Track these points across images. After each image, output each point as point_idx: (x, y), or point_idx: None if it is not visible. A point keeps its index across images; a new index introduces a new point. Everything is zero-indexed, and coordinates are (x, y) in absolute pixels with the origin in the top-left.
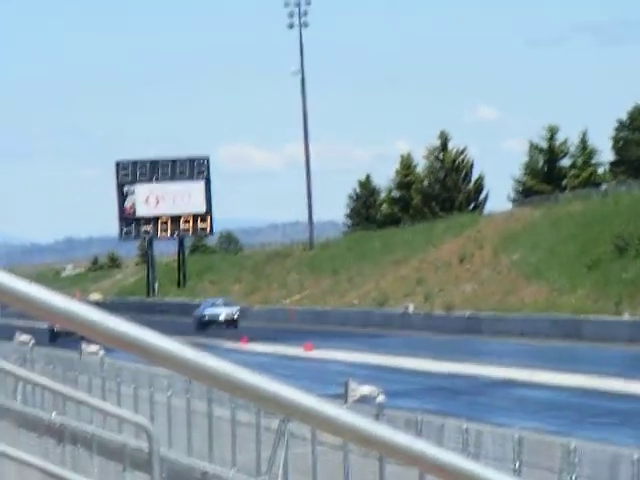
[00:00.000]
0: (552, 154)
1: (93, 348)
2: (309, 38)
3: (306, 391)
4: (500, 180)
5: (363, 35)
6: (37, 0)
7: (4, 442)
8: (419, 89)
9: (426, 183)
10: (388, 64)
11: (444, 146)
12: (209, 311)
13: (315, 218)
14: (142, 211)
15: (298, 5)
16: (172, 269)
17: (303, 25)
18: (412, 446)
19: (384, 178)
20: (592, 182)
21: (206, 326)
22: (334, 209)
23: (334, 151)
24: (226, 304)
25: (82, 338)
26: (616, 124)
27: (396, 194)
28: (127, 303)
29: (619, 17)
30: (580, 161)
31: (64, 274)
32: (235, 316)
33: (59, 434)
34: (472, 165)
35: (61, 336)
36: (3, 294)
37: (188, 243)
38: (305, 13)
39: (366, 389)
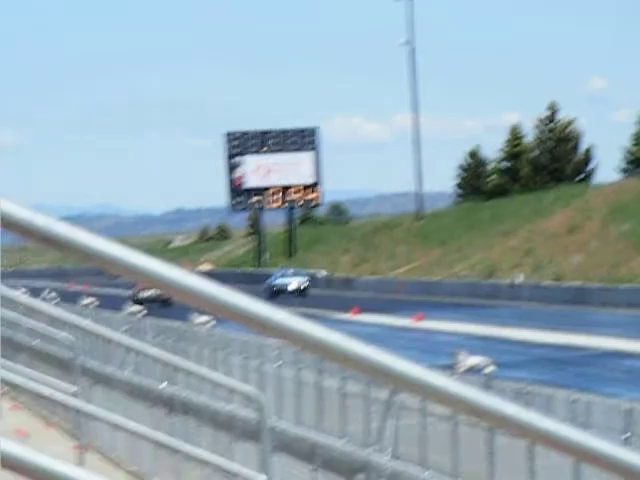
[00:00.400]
0: None
1: (203, 319)
2: (419, 10)
3: (415, 362)
4: (609, 151)
5: (473, 7)
6: None
7: (116, 412)
8: (529, 60)
9: (535, 154)
10: (498, 35)
11: (553, 117)
12: (279, 281)
13: (424, 189)
14: (251, 182)
15: None
16: (281, 240)
17: None
18: (522, 417)
19: (493, 149)
20: None
21: (276, 295)
22: (443, 180)
23: (443, 122)
24: (296, 274)
25: (164, 304)
26: None
27: (505, 165)
28: (237, 274)
29: None
30: None
31: (173, 245)
32: (303, 286)
33: (169, 404)
34: (581, 136)
35: (143, 303)
36: (114, 265)
37: (297, 214)
38: None
39: (475, 360)
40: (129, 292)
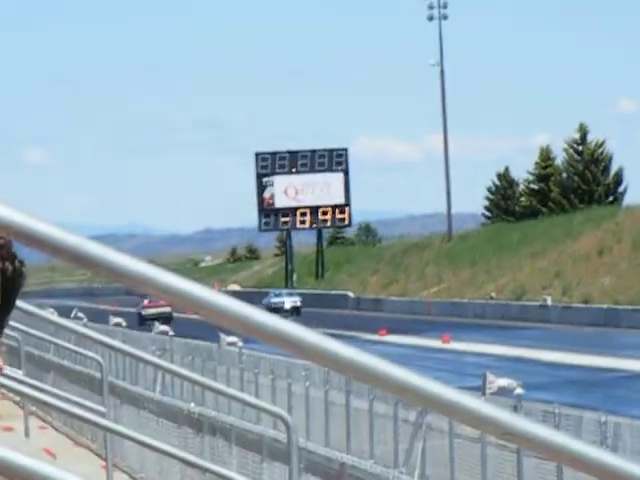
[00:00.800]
0: None
1: (232, 339)
2: (448, 30)
3: (444, 383)
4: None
5: (502, 27)
6: None
7: (144, 432)
8: (559, 82)
9: (565, 175)
10: (528, 57)
11: (583, 139)
12: (275, 300)
13: (454, 210)
14: (281, 202)
15: None
16: (310, 261)
17: (442, 17)
18: (552, 439)
19: (523, 170)
20: None
21: (273, 313)
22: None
23: (473, 143)
24: (289, 294)
25: (166, 322)
26: None
27: (535, 186)
28: (265, 294)
29: None
30: None
31: (203, 264)
32: (297, 304)
33: (198, 424)
34: (611, 158)
35: (148, 320)
36: (143, 284)
37: (326, 234)
38: (445, 5)
39: (504, 381)
40: (135, 310)
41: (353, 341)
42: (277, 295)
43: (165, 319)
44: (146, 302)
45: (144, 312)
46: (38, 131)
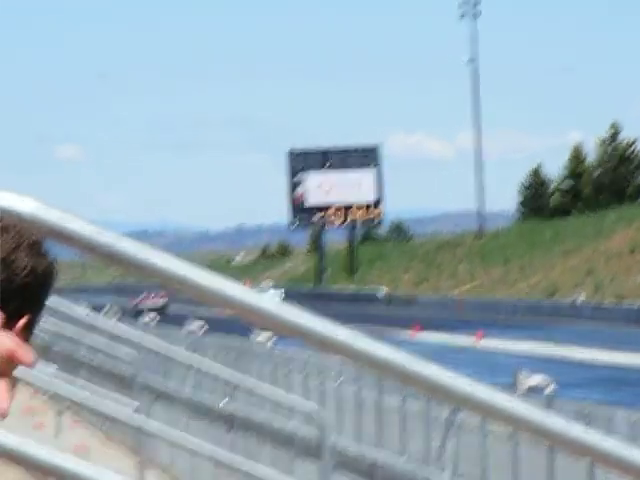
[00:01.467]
0: None
1: (264, 336)
2: (481, 28)
3: (476, 381)
4: None
5: (535, 25)
6: None
7: (176, 429)
8: (593, 80)
9: (597, 173)
10: (562, 54)
11: (615, 137)
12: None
13: (487, 207)
14: (313, 200)
15: None
16: (342, 258)
17: (475, 15)
18: (584, 438)
19: (555, 168)
20: None
21: (141, 313)
22: (506, 199)
23: (506, 141)
24: (274, 287)
25: (162, 313)
26: None
27: (567, 184)
28: (298, 291)
29: None
30: None
31: (235, 262)
32: (281, 298)
33: (230, 421)
34: None
35: (143, 312)
36: (176, 282)
37: (359, 232)
38: (477, 2)
39: (536, 379)
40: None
41: (385, 338)
42: (261, 290)
43: (159, 311)
44: (144, 295)
45: (140, 305)
46: (70, 128)
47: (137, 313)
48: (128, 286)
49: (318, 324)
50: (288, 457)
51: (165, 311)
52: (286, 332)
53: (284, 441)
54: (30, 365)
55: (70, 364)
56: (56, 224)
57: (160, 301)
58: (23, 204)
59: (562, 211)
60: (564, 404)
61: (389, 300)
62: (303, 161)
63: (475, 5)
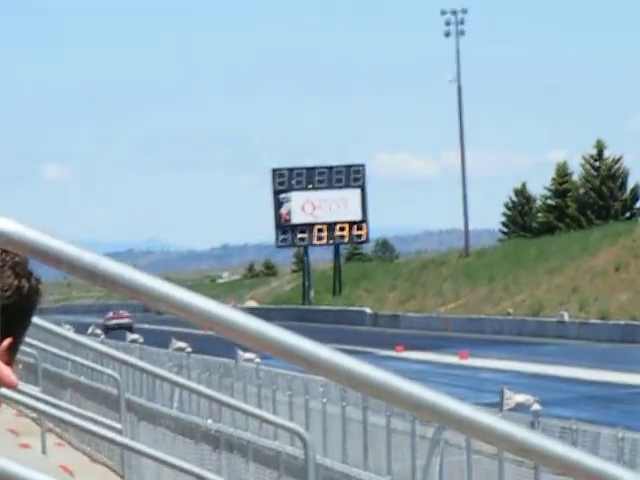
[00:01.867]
0: None
1: (249, 355)
2: (466, 46)
3: (461, 399)
4: None
5: (520, 43)
6: (194, 8)
7: (161, 449)
8: (576, 98)
9: (582, 191)
10: (545, 72)
11: (600, 154)
12: (110, 321)
13: (471, 226)
14: (298, 218)
15: (455, 13)
16: (328, 277)
17: (460, 33)
18: (569, 456)
19: (540, 186)
20: None
21: (110, 330)
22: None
23: (491, 159)
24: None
25: (128, 330)
26: None
27: (552, 202)
28: (283, 310)
29: None
30: None
31: (220, 281)
32: (130, 322)
33: (215, 441)
34: (628, 174)
35: (111, 329)
36: (160, 301)
37: (344, 251)
38: (462, 21)
39: (521, 397)
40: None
41: (370, 357)
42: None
43: (126, 329)
44: (110, 314)
45: (108, 323)
46: (57, 147)
47: (106, 330)
48: (113, 305)
49: (302, 343)
50: (273, 476)
51: (132, 328)
52: (271, 352)
53: (269, 460)
54: (13, 387)
55: (55, 384)
56: (38, 243)
57: (125, 320)
58: (4, 225)
59: (547, 229)
60: (550, 422)
61: (374, 319)
62: (288, 180)
63: (460, 24)
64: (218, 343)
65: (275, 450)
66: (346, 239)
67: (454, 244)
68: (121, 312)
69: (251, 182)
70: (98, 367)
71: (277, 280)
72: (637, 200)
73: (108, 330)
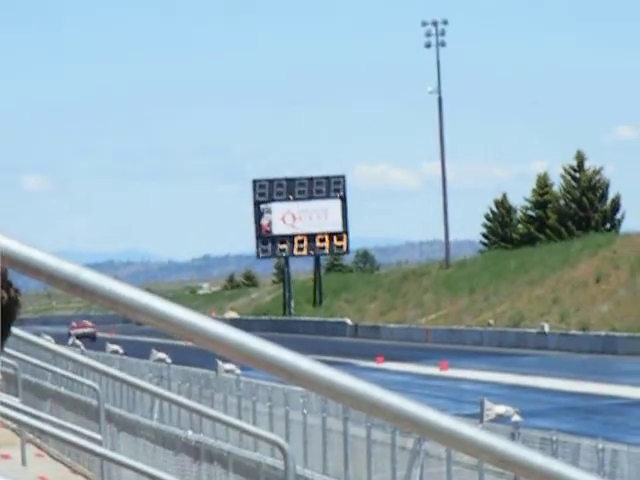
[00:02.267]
0: None
1: (230, 366)
2: (446, 58)
3: (441, 410)
4: (637, 200)
5: (500, 54)
6: (173, 18)
7: (141, 460)
8: (557, 109)
9: (562, 202)
10: (526, 83)
11: (580, 166)
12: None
13: (452, 237)
14: (279, 229)
15: (435, 24)
16: (308, 288)
17: (440, 44)
18: (549, 467)
19: (520, 197)
20: None
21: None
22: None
23: (472, 170)
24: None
25: (92, 339)
26: None
27: (532, 213)
28: (263, 322)
29: None
30: None
31: (201, 292)
32: (93, 331)
33: (195, 452)
34: (608, 185)
35: (77, 338)
36: (139, 312)
37: (324, 261)
38: (442, 32)
39: (501, 409)
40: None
41: (350, 368)
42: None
43: (90, 338)
44: (74, 324)
45: (73, 332)
46: (37, 159)
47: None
48: (92, 317)
49: (282, 354)
50: None
51: (95, 337)
52: (251, 363)
53: (250, 471)
54: None
55: (35, 395)
56: (18, 254)
57: (88, 329)
58: None
59: (528, 240)
60: (530, 433)
61: (355, 330)
62: (268, 191)
63: (440, 35)
64: (198, 354)
65: (255, 461)
66: (326, 250)
67: (435, 255)
68: (84, 322)
69: (232, 193)
70: (78, 378)
71: (258, 291)
72: (617, 211)
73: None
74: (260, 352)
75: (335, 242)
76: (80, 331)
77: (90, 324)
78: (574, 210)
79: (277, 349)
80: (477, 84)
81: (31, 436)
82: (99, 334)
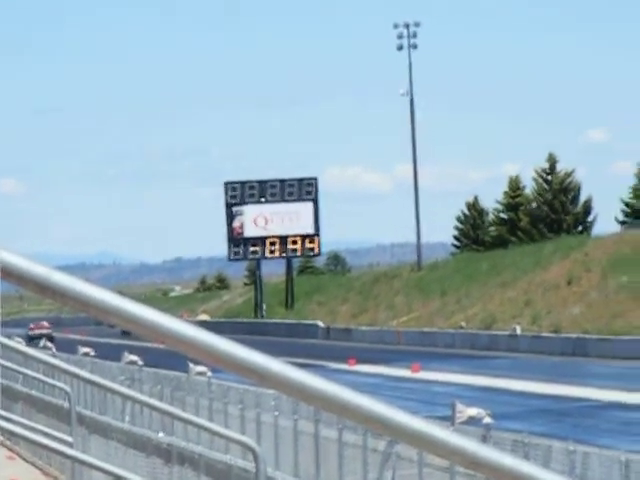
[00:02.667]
0: None
1: (201, 368)
2: (418, 60)
3: (413, 413)
4: (608, 202)
5: (473, 57)
6: (150, 22)
7: (112, 462)
8: (528, 112)
9: (534, 205)
10: (498, 86)
11: (552, 168)
12: (34, 331)
13: (424, 239)
14: (250, 232)
15: (407, 27)
16: (280, 290)
17: (412, 47)
18: (520, 469)
19: (493, 200)
20: None
21: (32, 340)
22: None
23: (444, 172)
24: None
25: (50, 340)
26: None
27: (504, 216)
28: (234, 324)
29: None
30: None
31: (172, 294)
32: (50, 332)
33: (167, 454)
34: (580, 187)
35: (33, 339)
36: (110, 314)
37: (296, 264)
38: (414, 35)
39: (473, 411)
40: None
41: (321, 371)
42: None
43: (48, 338)
44: (32, 325)
45: (30, 332)
46: (9, 162)
47: (30, 340)
48: (65, 319)
49: (253, 357)
50: None
51: (53, 338)
52: (222, 365)
53: (221, 474)
54: None
55: (6, 397)
56: None
57: (45, 330)
58: None
59: (499, 242)
60: (501, 435)
61: (327, 332)
62: (240, 193)
63: (412, 37)
64: (170, 357)
65: (227, 463)
66: (298, 252)
67: (407, 257)
68: (42, 323)
69: (206, 195)
70: (49, 380)
71: (229, 293)
72: (589, 214)
73: (31, 339)
74: (231, 354)
75: (307, 244)
76: (37, 332)
77: (47, 325)
78: (546, 212)
79: (248, 351)
80: (450, 86)
81: (2, 438)
82: (71, 336)
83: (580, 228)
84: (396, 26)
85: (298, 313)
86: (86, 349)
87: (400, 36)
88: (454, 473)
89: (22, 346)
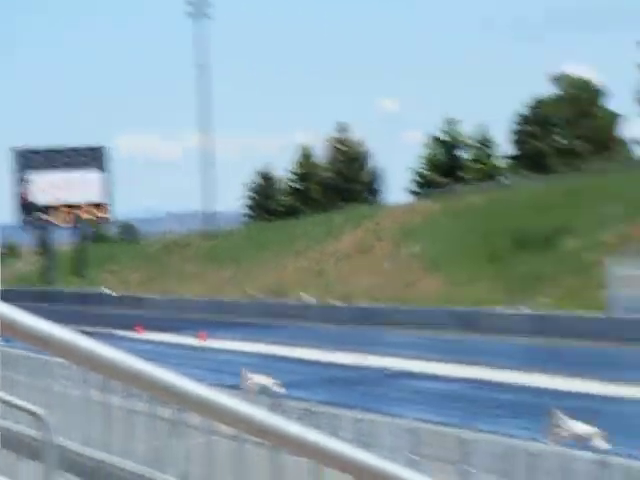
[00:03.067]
0: (452, 147)
1: None
2: (213, 30)
3: (199, 381)
4: (400, 172)
5: (264, 27)
6: None
7: None
8: (322, 80)
9: (325, 174)
10: (292, 57)
11: (343, 137)
12: None
13: (217, 208)
14: (40, 199)
15: None
16: (71, 259)
17: (205, 16)
18: (305, 437)
19: (284, 169)
20: (491, 176)
21: None
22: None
23: (238, 142)
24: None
25: None
26: (516, 118)
27: (296, 185)
28: (25, 292)
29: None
30: (480, 154)
31: None
32: None
33: None
34: (371, 156)
35: None
36: None
37: (88, 233)
38: (206, 4)
39: (262, 379)
40: None
41: (109, 339)
42: None
43: None
44: None
45: None
46: None
47: None
48: None
49: (38, 324)
50: (13, 458)
51: None
52: (9, 333)
53: (11, 443)
54: None
55: None
56: None
57: None
58: None
59: (292, 212)
60: (290, 404)
61: (118, 300)
62: (28, 160)
63: (204, 6)
64: None
65: (16, 432)
66: (89, 221)
67: (198, 226)
68: None
69: None
70: None
71: (20, 261)
72: (380, 183)
73: None
74: (17, 321)
75: (97, 213)
76: None
77: None
78: (337, 182)
79: (34, 319)
80: (244, 57)
81: None
82: None
83: (371, 197)
84: None
85: (90, 282)
86: None
87: (190, 3)
88: (243, 441)
89: None
